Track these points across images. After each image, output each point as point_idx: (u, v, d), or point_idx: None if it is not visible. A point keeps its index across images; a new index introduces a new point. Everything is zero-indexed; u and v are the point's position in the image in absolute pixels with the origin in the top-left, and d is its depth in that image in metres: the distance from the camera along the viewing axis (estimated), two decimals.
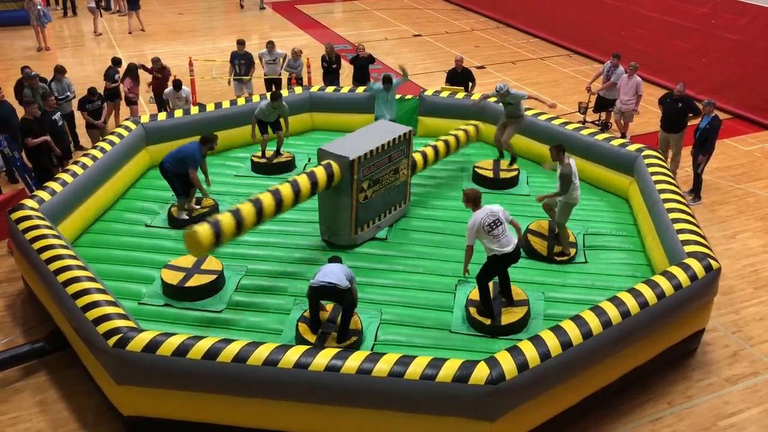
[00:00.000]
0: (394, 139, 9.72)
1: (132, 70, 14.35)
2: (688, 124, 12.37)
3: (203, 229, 7.79)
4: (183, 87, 13.56)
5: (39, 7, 20.30)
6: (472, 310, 8.22)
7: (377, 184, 9.70)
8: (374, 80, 14.97)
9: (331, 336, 7.80)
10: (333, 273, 7.53)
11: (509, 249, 7.83)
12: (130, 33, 22.83)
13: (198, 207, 10.46)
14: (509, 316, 8.14)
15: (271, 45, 15.23)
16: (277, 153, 12.12)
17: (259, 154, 12.15)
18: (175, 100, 13.44)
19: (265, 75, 15.30)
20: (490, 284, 8.16)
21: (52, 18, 20.94)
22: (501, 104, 11.62)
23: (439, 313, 8.49)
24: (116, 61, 14.61)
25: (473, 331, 8.17)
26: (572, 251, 9.56)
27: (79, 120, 13.97)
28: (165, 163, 10.10)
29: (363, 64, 14.91)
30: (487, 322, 8.07)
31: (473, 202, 7.92)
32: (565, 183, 9.00)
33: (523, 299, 8.38)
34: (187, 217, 10.20)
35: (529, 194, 11.27)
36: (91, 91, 13.07)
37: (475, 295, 8.38)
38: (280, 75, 15.33)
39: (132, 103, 14.32)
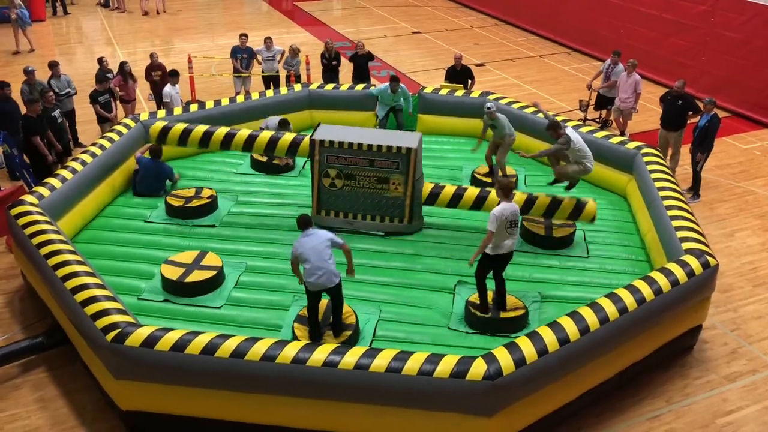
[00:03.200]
0: (381, 147, 9.60)
1: (123, 69, 14.24)
2: (688, 122, 12.37)
3: None
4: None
5: (17, 9, 19.68)
6: (472, 310, 8.22)
7: (350, 179, 9.77)
8: (374, 78, 15.03)
9: (326, 334, 7.81)
10: (323, 268, 7.41)
11: (506, 251, 7.92)
12: (161, 12, 24.78)
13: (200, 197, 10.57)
14: (508, 314, 8.16)
15: (269, 41, 15.22)
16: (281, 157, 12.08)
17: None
18: (175, 96, 13.40)
19: (263, 72, 15.30)
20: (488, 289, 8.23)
21: (31, 23, 20.24)
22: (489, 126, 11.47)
23: (437, 312, 8.49)
24: (102, 60, 14.45)
25: (471, 329, 8.17)
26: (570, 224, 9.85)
27: (81, 117, 13.99)
28: None
29: (362, 62, 14.90)
30: (487, 314, 8.08)
31: (505, 191, 7.89)
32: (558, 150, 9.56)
33: (519, 305, 8.35)
34: None
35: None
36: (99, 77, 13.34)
37: (475, 298, 8.39)
38: (277, 72, 15.33)
39: (124, 102, 14.19)
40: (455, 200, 9.85)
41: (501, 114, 11.28)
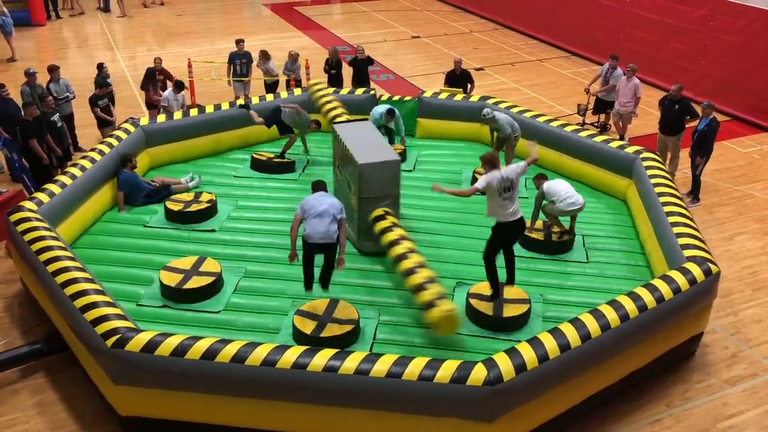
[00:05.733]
0: (348, 149, 9.43)
1: (152, 75, 14.25)
2: (687, 126, 12.38)
3: (453, 308, 7.45)
4: (182, 91, 13.62)
5: (0, 17, 19.50)
6: (473, 302, 8.22)
7: (340, 172, 10.07)
8: (373, 83, 15.01)
9: (327, 326, 7.83)
10: (323, 225, 7.62)
11: (513, 219, 7.93)
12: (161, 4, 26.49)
13: (199, 201, 10.57)
14: (511, 311, 8.16)
15: (263, 56, 15.12)
16: (281, 155, 12.13)
17: (260, 153, 12.18)
18: (173, 102, 13.44)
19: (264, 77, 15.31)
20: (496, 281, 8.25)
21: (13, 32, 19.90)
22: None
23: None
24: (101, 66, 14.49)
25: (472, 329, 8.18)
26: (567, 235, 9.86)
27: (80, 121, 14.00)
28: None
29: (362, 66, 14.91)
30: (489, 312, 8.10)
31: (490, 163, 7.98)
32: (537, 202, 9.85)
33: (524, 298, 8.40)
34: None
35: (527, 197, 11.26)
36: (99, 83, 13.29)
37: (476, 288, 8.40)
38: (276, 76, 15.33)
39: (153, 106, 14.16)
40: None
41: (500, 114, 11.30)
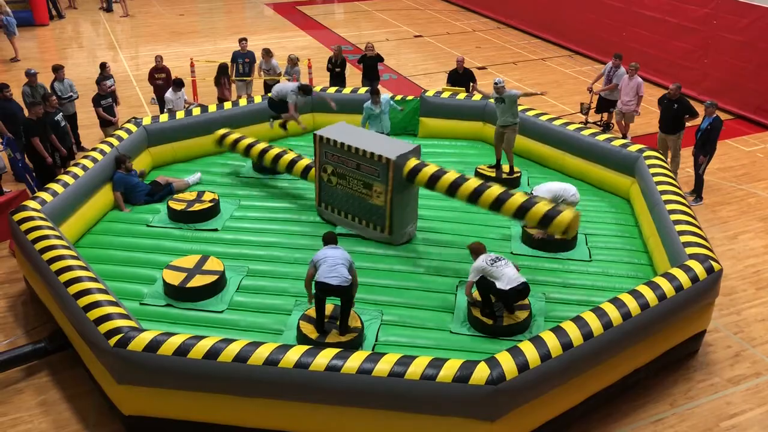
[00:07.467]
0: (366, 153, 9.48)
1: (224, 70, 14.41)
2: (688, 125, 12.35)
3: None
4: (182, 89, 13.63)
5: (3, 17, 19.56)
6: (474, 310, 8.21)
7: (342, 178, 9.91)
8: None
9: (332, 332, 7.83)
10: (338, 270, 7.61)
11: (513, 285, 7.89)
12: None
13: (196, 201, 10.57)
14: (511, 318, 8.14)
15: (266, 54, 15.13)
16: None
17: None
18: (177, 102, 13.44)
19: (264, 76, 15.31)
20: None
21: (16, 32, 19.92)
22: (495, 104, 11.30)
23: (440, 314, 8.48)
24: (104, 65, 14.52)
25: (474, 332, 8.16)
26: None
27: (83, 121, 14.01)
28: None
29: (371, 63, 14.92)
30: (489, 322, 8.06)
31: (475, 252, 8.30)
32: None
33: (524, 303, 8.36)
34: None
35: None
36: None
37: (477, 295, 8.38)
38: (279, 75, 15.33)
39: (225, 100, 14.21)
40: (453, 188, 9.09)
41: (512, 90, 11.10)
